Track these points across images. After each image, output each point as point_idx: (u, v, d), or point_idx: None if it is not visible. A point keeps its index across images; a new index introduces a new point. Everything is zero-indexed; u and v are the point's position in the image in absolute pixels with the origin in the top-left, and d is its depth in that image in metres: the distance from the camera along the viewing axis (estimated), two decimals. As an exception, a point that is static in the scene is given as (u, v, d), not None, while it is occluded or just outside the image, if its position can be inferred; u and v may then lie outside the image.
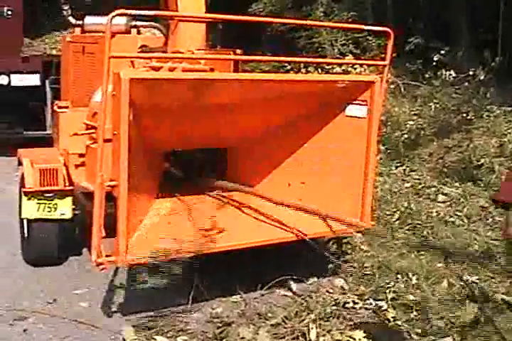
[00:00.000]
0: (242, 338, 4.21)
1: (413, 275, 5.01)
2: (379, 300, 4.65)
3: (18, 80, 9.16)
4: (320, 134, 5.04)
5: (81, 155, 5.28)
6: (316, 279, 5.06)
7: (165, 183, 5.25)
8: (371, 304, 4.62)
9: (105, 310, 4.65)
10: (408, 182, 7.70)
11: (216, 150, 5.44)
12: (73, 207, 5.30)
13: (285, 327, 4.32)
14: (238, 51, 6.36)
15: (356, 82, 4.91)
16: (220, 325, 4.35)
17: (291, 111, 4.92)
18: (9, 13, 9.14)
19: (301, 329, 4.24)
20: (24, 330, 4.34)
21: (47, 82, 9.35)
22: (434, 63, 10.98)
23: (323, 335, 4.14)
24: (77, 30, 6.58)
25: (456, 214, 6.60)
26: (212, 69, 5.02)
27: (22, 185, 5.34)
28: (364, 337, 4.15)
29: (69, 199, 5.23)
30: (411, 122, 9.85)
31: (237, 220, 4.93)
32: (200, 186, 5.37)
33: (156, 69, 4.88)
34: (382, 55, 5.02)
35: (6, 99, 9.07)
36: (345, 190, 4.94)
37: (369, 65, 9.93)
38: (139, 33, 6.33)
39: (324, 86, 4.86)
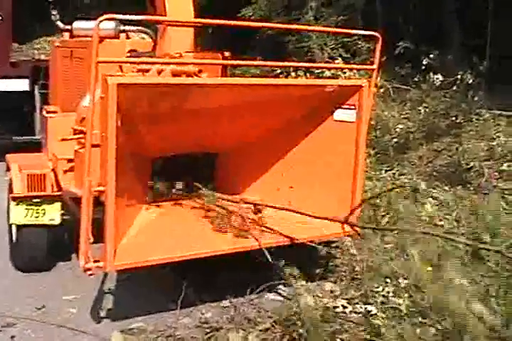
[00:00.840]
0: (232, 343, 4.21)
1: (403, 279, 5.00)
2: (368, 304, 4.65)
3: (7, 85, 9.14)
4: (308, 138, 5.05)
5: (69, 161, 5.26)
6: (305, 283, 5.06)
7: (153, 188, 5.24)
8: (361, 308, 4.61)
9: (94, 316, 4.63)
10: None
11: (203, 156, 5.43)
12: (62, 212, 5.29)
13: (274, 332, 4.31)
14: (226, 53, 6.36)
15: (344, 87, 4.92)
16: (209, 330, 4.35)
17: (279, 115, 4.92)
18: (-1, 18, 9.11)
19: (290, 334, 4.23)
20: (12, 337, 4.32)
21: (36, 87, 9.32)
22: (424, 67, 11.00)
23: (313, 339, 4.13)
24: (66, 34, 6.57)
25: (446, 218, 6.60)
26: (200, 71, 5.01)
27: (10, 190, 5.32)
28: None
29: (57, 205, 5.22)
30: (400, 126, 9.85)
31: (226, 226, 4.92)
32: (188, 192, 5.36)
33: (145, 71, 4.87)
34: (372, 59, 5.03)
35: (-6, 103, 9.05)
36: (334, 194, 4.95)
37: (358, 69, 9.93)
38: (127, 37, 6.33)
39: (312, 90, 4.86)
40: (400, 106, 10.78)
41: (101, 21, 3.83)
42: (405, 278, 4.97)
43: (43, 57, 9.50)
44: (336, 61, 11.65)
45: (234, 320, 4.49)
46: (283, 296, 4.90)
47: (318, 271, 5.16)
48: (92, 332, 4.37)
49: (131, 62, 5.16)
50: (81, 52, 5.95)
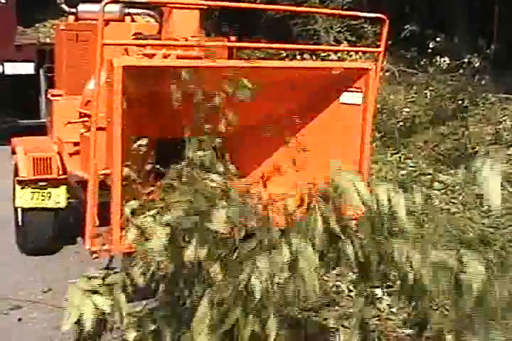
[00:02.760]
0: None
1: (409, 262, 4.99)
2: (374, 287, 4.64)
3: (12, 69, 9.13)
4: (314, 122, 5.02)
5: (75, 144, 5.25)
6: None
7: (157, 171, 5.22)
8: (366, 291, 4.61)
9: (100, 299, 4.64)
10: (404, 170, 7.69)
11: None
12: (68, 195, 5.28)
13: (281, 315, 4.31)
14: (232, 38, 6.33)
15: (351, 69, 4.88)
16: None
17: (285, 98, 4.89)
18: (3, 1, 9.09)
19: (297, 316, 4.23)
20: (19, 319, 4.34)
21: (41, 70, 9.32)
22: (430, 50, 10.95)
23: (319, 323, 4.14)
24: (71, 18, 6.54)
25: (452, 202, 6.59)
26: (206, 57, 4.99)
27: (16, 173, 5.32)
28: (358, 326, 4.14)
29: (63, 188, 5.22)
30: (406, 109, 9.83)
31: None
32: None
33: (150, 56, 4.85)
34: (378, 42, 4.99)
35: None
36: (340, 178, 4.92)
37: (364, 52, 9.88)
38: (133, 20, 6.30)
39: (319, 73, 4.83)
40: (405, 90, 10.75)
41: (106, 4, 3.80)
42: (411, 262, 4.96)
43: (48, 40, 9.47)
44: (342, 44, 11.61)
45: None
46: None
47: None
48: (97, 315, 4.38)
49: (136, 45, 5.13)
50: (86, 35, 5.92)
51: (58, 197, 5.20)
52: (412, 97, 10.40)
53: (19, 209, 5.40)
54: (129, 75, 3.78)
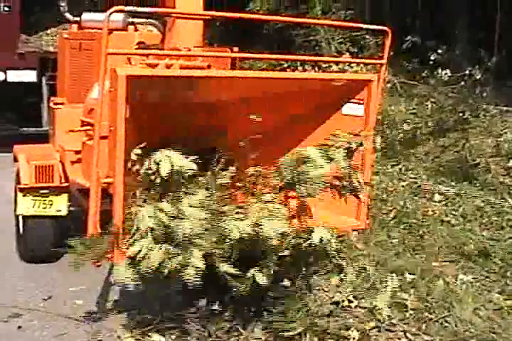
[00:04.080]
0: (238, 335, 4.21)
1: (409, 274, 5.01)
2: (374, 298, 4.65)
3: (15, 76, 9.16)
4: (316, 133, 5.03)
5: (77, 152, 5.27)
6: (311, 277, 5.06)
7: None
8: (366, 303, 4.61)
9: (100, 308, 4.65)
10: (404, 181, 7.70)
11: (210, 150, 5.42)
12: (69, 203, 5.29)
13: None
14: (235, 49, 6.36)
15: (353, 81, 4.90)
16: (217, 321, 4.35)
17: (287, 109, 4.91)
18: (6, 9, 9.12)
19: (296, 327, 4.23)
20: (19, 327, 4.34)
21: (43, 78, 9.35)
22: (431, 62, 10.97)
23: (319, 334, 4.14)
24: (74, 26, 6.57)
25: (452, 214, 6.60)
26: (209, 67, 5.01)
27: (17, 181, 5.33)
28: (359, 337, 4.15)
29: (64, 196, 5.23)
30: (407, 121, 9.85)
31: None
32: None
33: (153, 66, 4.87)
34: (379, 54, 5.02)
35: (2, 95, 9.07)
36: (341, 189, 4.94)
37: (366, 64, 9.91)
38: (136, 29, 6.32)
39: (321, 84, 4.84)
40: (406, 102, 10.76)
41: (111, 13, 3.82)
42: (411, 273, 4.98)
43: (50, 48, 9.51)
44: (343, 55, 11.63)
45: (238, 311, 4.49)
46: (288, 290, 4.90)
47: (324, 265, 5.15)
48: (97, 324, 4.38)
49: (140, 54, 5.16)
50: (90, 44, 5.94)
51: (59, 205, 5.21)
52: (413, 109, 10.41)
53: (20, 217, 5.41)
54: (133, 85, 3.80)
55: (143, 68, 4.86)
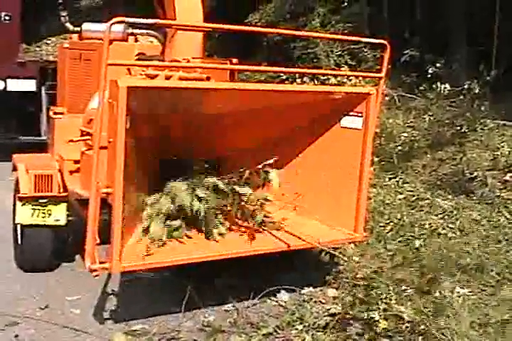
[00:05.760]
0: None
1: (405, 286, 5.01)
2: (371, 310, 4.65)
3: (15, 85, 9.18)
4: (315, 145, 5.06)
5: (76, 162, 5.29)
6: (308, 289, 5.07)
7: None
8: (363, 315, 4.62)
9: (97, 317, 4.64)
10: (401, 194, 7.70)
11: (209, 160, 5.44)
12: (67, 213, 5.30)
13: (277, 337, 4.33)
14: (234, 60, 6.39)
15: (352, 94, 4.94)
16: (212, 333, 4.35)
17: (286, 121, 4.94)
18: (7, 18, 9.15)
19: (293, 339, 4.24)
20: (16, 336, 4.33)
21: (43, 87, 9.37)
22: (429, 76, 10.99)
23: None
24: (75, 36, 6.61)
25: (449, 227, 6.60)
26: (208, 78, 5.03)
27: (16, 190, 5.34)
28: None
29: (63, 206, 5.24)
30: (405, 134, 9.85)
31: (231, 229, 4.94)
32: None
33: (153, 77, 4.90)
34: (378, 67, 5.05)
35: (1, 104, 9.09)
36: (339, 201, 4.96)
37: (364, 77, 9.94)
38: (136, 40, 6.35)
39: (320, 97, 4.88)
40: (404, 115, 10.77)
41: (112, 24, 3.84)
42: (408, 286, 4.98)
43: (51, 58, 9.53)
44: (342, 68, 11.66)
45: (236, 323, 4.50)
46: (285, 302, 4.91)
47: (321, 276, 5.16)
48: (94, 333, 4.38)
49: (140, 65, 5.18)
50: (90, 54, 5.98)
51: (58, 215, 5.22)
52: (411, 122, 10.43)
53: (19, 226, 5.41)
54: (133, 96, 3.82)
55: (143, 79, 4.88)
